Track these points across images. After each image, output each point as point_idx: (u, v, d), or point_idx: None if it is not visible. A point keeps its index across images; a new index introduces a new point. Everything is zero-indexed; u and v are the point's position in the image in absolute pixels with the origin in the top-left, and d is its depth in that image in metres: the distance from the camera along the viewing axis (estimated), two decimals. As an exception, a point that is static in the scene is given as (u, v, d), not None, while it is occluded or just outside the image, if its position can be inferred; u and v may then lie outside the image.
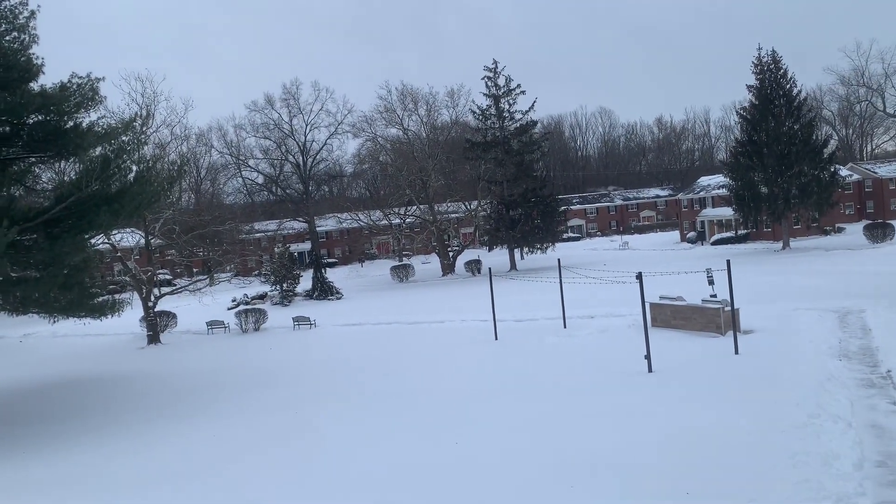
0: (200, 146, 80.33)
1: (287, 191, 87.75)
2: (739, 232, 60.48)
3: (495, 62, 55.61)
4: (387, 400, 18.13)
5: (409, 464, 12.58)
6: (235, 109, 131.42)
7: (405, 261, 70.64)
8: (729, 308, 20.75)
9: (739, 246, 57.23)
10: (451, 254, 61.32)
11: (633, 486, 10.48)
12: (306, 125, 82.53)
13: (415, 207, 62.62)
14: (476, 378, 19.61)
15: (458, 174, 61.64)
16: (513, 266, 55.56)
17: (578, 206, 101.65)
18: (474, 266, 56.35)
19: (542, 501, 10.30)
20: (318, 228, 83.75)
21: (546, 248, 55.20)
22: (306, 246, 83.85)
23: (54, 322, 26.62)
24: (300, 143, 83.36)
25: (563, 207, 61.73)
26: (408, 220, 66.57)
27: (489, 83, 56.16)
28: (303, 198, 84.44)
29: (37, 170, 25.57)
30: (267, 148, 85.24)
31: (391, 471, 12.26)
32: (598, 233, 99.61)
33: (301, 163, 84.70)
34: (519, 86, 55.88)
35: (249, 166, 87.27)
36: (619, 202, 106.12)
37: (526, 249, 56.74)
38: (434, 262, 66.22)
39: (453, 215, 65.52)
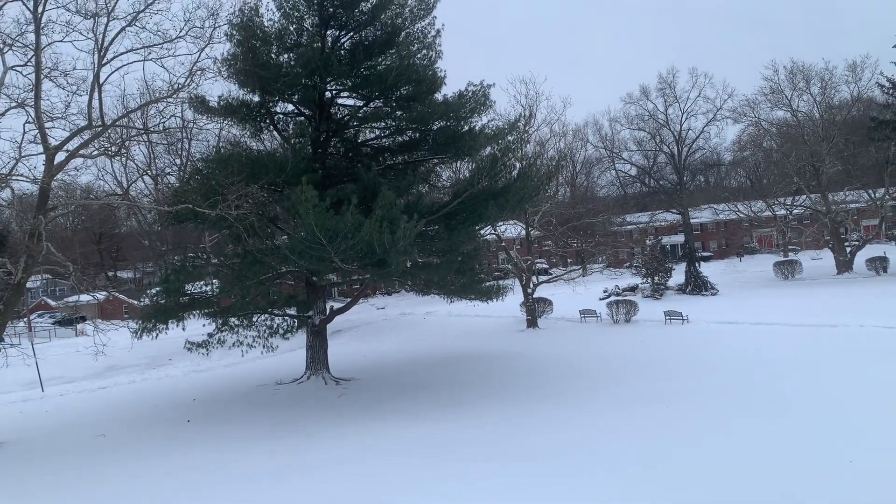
0: (576, 141, 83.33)
1: (660, 182, 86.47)
2: None
3: (913, 24, 47.27)
4: (769, 404, 16.75)
5: (795, 474, 11.51)
6: (611, 103, 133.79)
7: (791, 256, 64.23)
8: None
9: None
10: (848, 249, 53.84)
11: None
12: (682, 113, 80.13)
13: (804, 197, 56.46)
14: (876, 392, 17.01)
15: (860, 158, 53.87)
16: (931, 265, 46.80)
17: None
18: (879, 263, 48.72)
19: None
20: (691, 220, 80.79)
21: (981, 244, 45.30)
22: (679, 238, 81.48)
23: (450, 302, 30.26)
24: (675, 133, 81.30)
25: None
26: (795, 210, 60.42)
27: (904, 49, 47.92)
28: (676, 189, 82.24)
29: (438, 169, 29.38)
30: (640, 139, 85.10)
31: (775, 471, 11.36)
32: None
33: (675, 152, 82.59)
34: (946, 49, 46.75)
35: (623, 158, 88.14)
36: None
37: (951, 246, 47.25)
38: (826, 258, 59.01)
39: (852, 205, 57.37)
